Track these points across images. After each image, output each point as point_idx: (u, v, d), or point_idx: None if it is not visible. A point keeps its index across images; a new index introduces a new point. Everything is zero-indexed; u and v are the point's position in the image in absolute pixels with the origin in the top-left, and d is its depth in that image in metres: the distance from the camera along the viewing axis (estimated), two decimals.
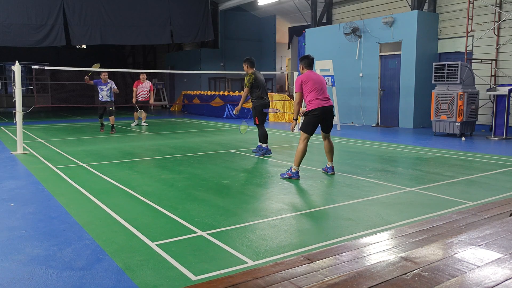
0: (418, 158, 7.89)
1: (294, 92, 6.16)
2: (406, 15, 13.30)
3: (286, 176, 6.07)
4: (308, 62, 6.24)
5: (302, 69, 6.25)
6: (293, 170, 6.03)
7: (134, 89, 13.99)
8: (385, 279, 2.00)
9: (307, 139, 6.00)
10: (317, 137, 10.90)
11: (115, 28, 19.20)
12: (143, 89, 13.99)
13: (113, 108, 12.20)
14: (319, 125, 6.12)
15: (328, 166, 6.39)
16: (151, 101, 14.61)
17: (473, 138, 10.59)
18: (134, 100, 14.02)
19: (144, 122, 14.38)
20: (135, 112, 14.27)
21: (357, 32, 14.39)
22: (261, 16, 24.05)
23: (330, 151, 6.29)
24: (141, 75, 14.16)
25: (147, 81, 14.14)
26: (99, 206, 4.74)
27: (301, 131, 6.05)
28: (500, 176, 6.20)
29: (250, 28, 24.33)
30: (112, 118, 12.19)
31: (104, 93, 11.97)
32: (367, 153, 8.53)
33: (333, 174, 6.32)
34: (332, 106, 6.12)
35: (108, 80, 11.95)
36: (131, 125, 14.28)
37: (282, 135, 11.87)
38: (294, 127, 6.21)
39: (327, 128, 6.21)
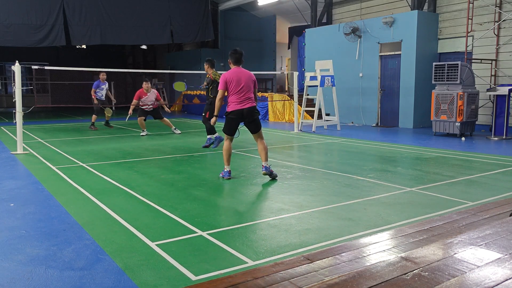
0: (418, 158, 7.89)
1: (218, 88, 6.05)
2: (406, 15, 13.30)
3: (221, 175, 6.19)
4: (236, 58, 6.01)
5: (230, 64, 6.11)
6: (225, 170, 6.14)
7: (135, 100, 11.44)
8: (385, 279, 2.00)
9: (229, 139, 6.08)
10: (317, 138, 10.91)
11: (115, 28, 19.20)
12: (147, 102, 11.47)
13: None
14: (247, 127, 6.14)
15: (263, 165, 6.08)
16: (166, 108, 12.82)
17: (473, 138, 10.58)
18: (131, 110, 11.75)
19: (176, 129, 12.33)
20: (141, 121, 11.56)
21: (357, 32, 14.38)
22: (261, 16, 24.03)
23: (262, 151, 6.08)
24: (144, 83, 11.45)
25: (153, 90, 11.66)
26: (99, 206, 4.74)
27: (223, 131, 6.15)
28: (500, 176, 6.20)
29: (250, 28, 24.31)
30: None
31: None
32: (367, 153, 8.53)
33: (267, 174, 5.99)
34: (253, 107, 5.95)
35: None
36: (141, 134, 11.72)
37: (281, 135, 11.86)
38: (214, 121, 6.35)
39: (253, 129, 6.08)
